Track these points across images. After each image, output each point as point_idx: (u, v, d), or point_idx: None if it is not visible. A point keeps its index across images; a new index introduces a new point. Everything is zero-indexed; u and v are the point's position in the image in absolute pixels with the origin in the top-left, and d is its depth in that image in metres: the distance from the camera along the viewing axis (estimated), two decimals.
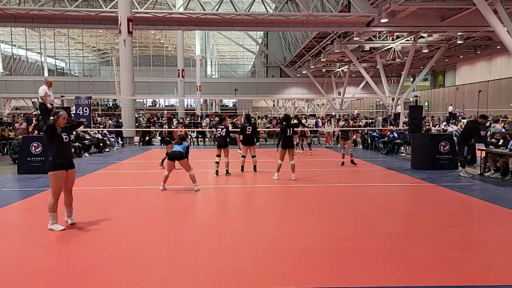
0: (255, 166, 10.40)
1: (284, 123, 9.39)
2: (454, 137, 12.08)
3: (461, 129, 14.10)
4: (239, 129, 11.28)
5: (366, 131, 19.66)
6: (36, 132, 13.00)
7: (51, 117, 5.35)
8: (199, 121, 24.79)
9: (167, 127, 11.36)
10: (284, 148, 9.17)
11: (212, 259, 4.24)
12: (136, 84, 23.52)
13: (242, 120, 12.40)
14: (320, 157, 14.89)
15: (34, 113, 17.65)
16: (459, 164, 10.56)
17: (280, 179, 9.17)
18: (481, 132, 16.42)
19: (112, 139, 18.29)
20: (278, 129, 11.43)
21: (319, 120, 24.62)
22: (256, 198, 7.90)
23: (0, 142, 15.21)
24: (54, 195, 5.28)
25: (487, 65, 34.66)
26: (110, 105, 52.50)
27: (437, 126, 19.76)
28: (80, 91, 40.69)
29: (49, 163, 5.29)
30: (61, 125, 5.33)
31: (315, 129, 20.40)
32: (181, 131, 16.53)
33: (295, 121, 10.82)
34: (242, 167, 10.37)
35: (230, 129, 11.40)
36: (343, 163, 11.95)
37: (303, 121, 19.41)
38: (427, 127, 14.97)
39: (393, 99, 30.06)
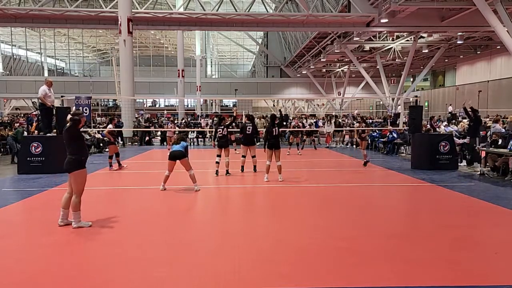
0: (255, 166, 10.39)
1: (270, 123, 9.34)
2: (454, 137, 12.10)
3: (461, 129, 14.18)
4: (238, 129, 11.27)
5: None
6: (36, 132, 13.01)
7: (75, 117, 5.37)
8: (198, 121, 24.72)
9: (111, 126, 11.54)
10: (270, 148, 9.12)
11: (212, 259, 4.24)
12: (136, 84, 23.53)
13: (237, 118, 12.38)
14: (320, 157, 14.90)
15: (34, 113, 17.65)
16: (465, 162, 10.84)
17: (281, 179, 9.16)
18: (481, 132, 16.75)
19: None
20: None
21: (319, 120, 24.61)
22: (256, 198, 7.90)
23: (0, 142, 15.22)
24: (79, 193, 5.34)
25: (487, 65, 34.65)
26: (110, 105, 52.49)
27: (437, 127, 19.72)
28: (80, 91, 40.68)
29: (72, 161, 5.29)
30: (80, 126, 5.44)
31: (315, 129, 20.39)
32: (171, 130, 16.63)
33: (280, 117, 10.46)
34: (242, 167, 10.37)
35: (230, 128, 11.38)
36: (367, 161, 11.86)
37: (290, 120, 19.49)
38: (436, 126, 14.92)
39: (393, 99, 30.06)
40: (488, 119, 21.47)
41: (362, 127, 12.30)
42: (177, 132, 15.90)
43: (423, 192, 8.14)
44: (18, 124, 18.71)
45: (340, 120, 23.08)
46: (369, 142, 18.08)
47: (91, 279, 3.74)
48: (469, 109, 11.65)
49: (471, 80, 36.88)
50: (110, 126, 11.67)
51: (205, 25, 25.19)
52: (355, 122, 21.24)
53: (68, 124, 5.48)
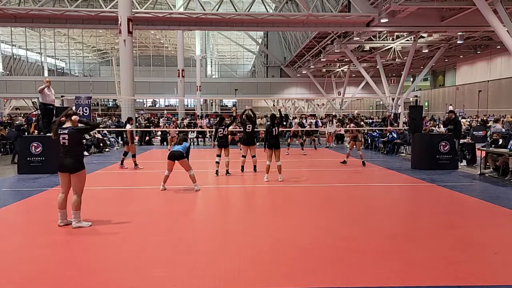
0: (255, 166, 10.39)
1: (269, 122, 9.35)
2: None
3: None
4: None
5: (366, 131, 19.67)
6: (36, 132, 13.01)
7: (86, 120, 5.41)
8: (195, 121, 24.69)
9: (130, 126, 11.54)
10: (270, 148, 9.11)
11: (212, 259, 4.24)
12: (136, 84, 23.51)
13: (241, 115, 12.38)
14: (320, 157, 14.89)
15: (34, 113, 17.66)
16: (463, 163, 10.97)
17: (281, 179, 9.15)
18: (482, 132, 16.98)
19: (112, 139, 18.30)
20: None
21: (318, 120, 24.61)
22: (256, 198, 7.90)
23: (0, 142, 15.22)
24: (81, 193, 5.37)
25: (487, 65, 34.67)
26: (110, 105, 52.51)
27: (436, 126, 19.73)
28: (80, 91, 40.68)
29: (79, 161, 5.34)
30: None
31: (315, 129, 20.39)
32: (172, 130, 16.67)
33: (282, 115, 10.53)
34: (242, 167, 10.36)
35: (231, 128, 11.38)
36: (344, 161, 11.97)
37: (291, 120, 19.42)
38: (427, 127, 15.01)
39: (393, 99, 30.07)
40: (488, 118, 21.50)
41: (351, 127, 12.26)
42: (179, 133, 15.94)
43: (423, 192, 8.13)
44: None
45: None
46: (369, 142, 18.09)
47: (91, 279, 3.74)
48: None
49: (471, 80, 36.91)
50: (128, 126, 11.51)
51: (205, 25, 25.19)
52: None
53: (83, 126, 5.51)
